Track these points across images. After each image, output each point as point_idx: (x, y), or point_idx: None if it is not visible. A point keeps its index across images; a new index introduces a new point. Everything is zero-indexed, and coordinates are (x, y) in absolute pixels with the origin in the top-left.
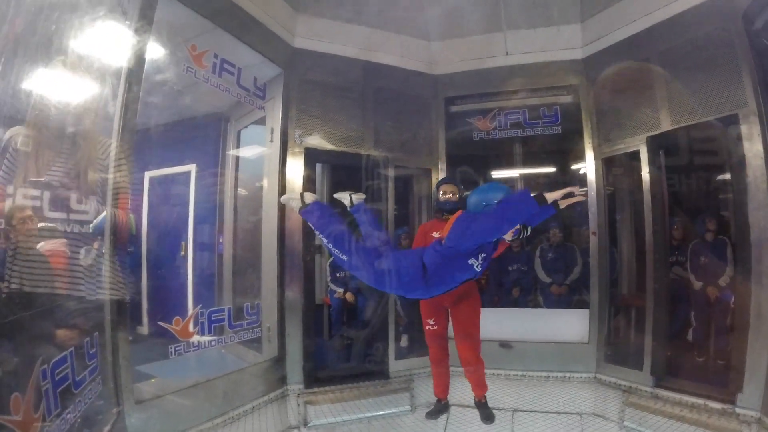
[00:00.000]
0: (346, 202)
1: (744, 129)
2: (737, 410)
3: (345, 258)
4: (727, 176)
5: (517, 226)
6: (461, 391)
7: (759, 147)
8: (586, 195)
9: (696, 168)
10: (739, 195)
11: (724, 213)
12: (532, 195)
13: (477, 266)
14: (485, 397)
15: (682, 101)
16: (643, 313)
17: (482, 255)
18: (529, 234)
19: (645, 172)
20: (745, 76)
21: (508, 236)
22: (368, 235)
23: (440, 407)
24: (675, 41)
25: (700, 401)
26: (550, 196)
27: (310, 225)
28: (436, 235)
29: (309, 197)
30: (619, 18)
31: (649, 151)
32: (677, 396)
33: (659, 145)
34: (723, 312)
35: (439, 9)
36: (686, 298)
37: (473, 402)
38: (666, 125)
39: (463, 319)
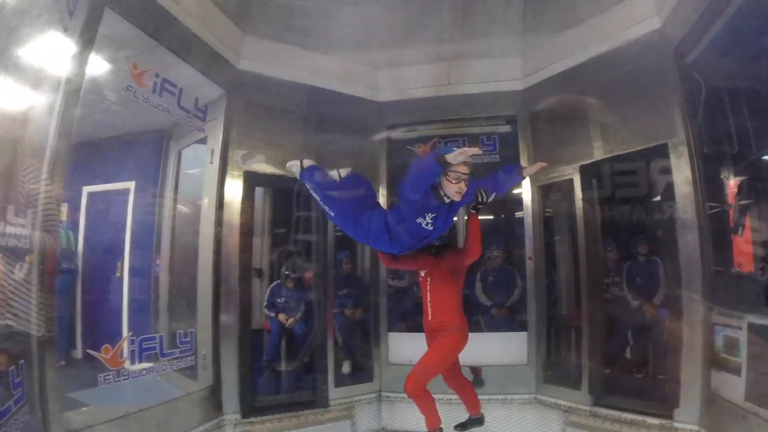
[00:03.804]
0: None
1: (673, 157)
2: (675, 425)
3: (332, 214)
4: (658, 200)
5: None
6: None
7: (687, 173)
8: (480, 148)
9: (627, 194)
10: (669, 218)
11: (658, 233)
12: (435, 158)
13: (426, 224)
14: (441, 429)
15: (616, 131)
16: (581, 334)
17: (430, 215)
18: (488, 200)
19: (578, 199)
20: (675, 107)
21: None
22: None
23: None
24: (611, 74)
25: (639, 417)
26: (450, 157)
27: (309, 186)
28: None
29: (307, 162)
30: (558, 51)
31: (582, 180)
32: (616, 413)
33: (592, 173)
34: (659, 330)
35: (385, 38)
36: (624, 317)
37: None
38: (599, 155)
39: (430, 349)
